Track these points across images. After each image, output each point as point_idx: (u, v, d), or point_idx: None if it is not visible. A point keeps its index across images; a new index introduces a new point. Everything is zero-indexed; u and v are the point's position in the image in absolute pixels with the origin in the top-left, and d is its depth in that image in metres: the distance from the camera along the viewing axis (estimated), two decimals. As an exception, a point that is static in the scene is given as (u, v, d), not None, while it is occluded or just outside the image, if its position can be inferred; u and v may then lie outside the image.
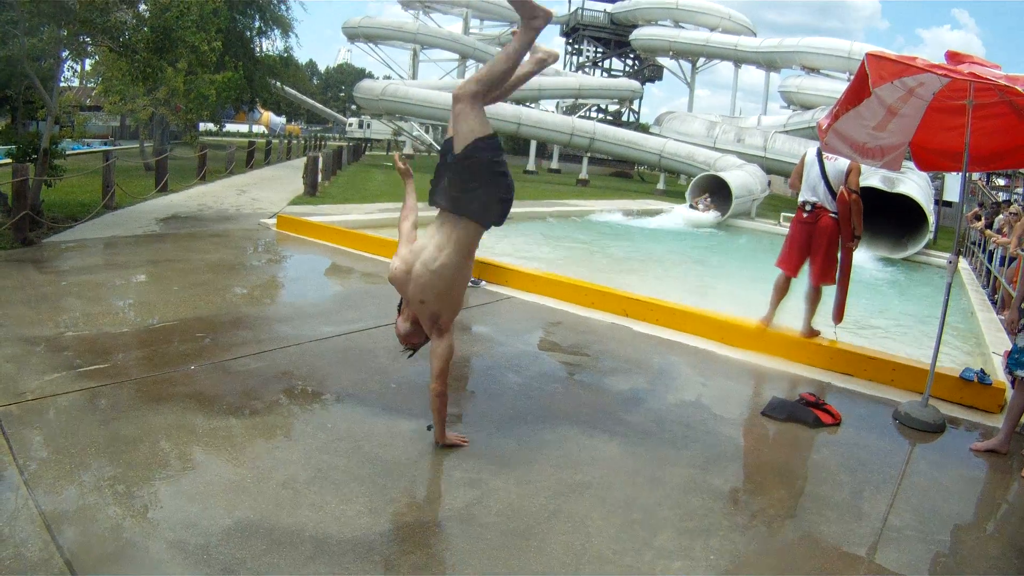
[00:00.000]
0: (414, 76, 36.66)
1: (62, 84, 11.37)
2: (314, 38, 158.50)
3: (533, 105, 31.43)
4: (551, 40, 48.74)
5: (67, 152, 11.16)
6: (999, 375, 4.65)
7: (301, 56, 71.79)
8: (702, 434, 3.71)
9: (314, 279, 7.11)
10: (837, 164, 5.01)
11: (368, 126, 47.98)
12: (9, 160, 9.03)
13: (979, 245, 12.57)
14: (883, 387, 4.73)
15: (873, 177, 15.38)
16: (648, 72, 44.13)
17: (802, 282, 5.33)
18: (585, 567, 2.44)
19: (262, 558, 2.31)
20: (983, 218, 13.39)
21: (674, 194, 25.38)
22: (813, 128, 23.28)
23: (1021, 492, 3.47)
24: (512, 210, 3.21)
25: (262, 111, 48.25)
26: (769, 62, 32.41)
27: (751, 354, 5.23)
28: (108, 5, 8.18)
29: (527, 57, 3.03)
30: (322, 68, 76.70)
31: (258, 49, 26.33)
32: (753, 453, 3.67)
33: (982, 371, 4.58)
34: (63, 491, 2.61)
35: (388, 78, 35.87)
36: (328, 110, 57.55)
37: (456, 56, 36.72)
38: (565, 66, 42.37)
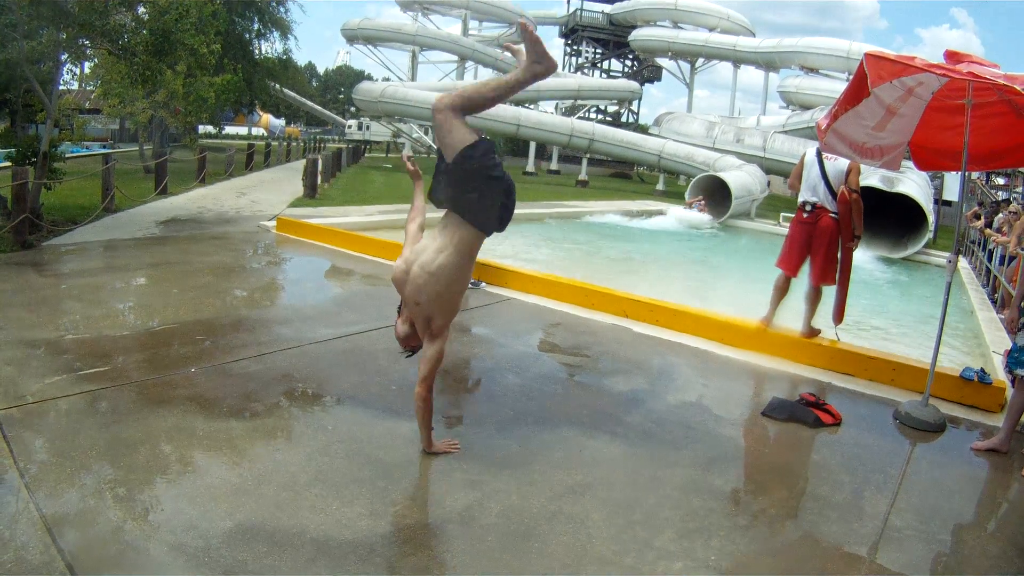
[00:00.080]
0: (413, 78, 36.61)
1: (61, 87, 11.36)
2: (313, 40, 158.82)
3: (532, 106, 31.46)
4: (550, 41, 48.74)
5: (66, 155, 11.20)
6: (999, 374, 4.65)
7: (300, 58, 71.64)
8: (703, 435, 3.70)
9: (314, 281, 7.11)
10: (837, 164, 5.00)
11: (367, 128, 48.06)
12: (9, 163, 9.04)
13: (979, 244, 12.57)
14: (883, 387, 4.73)
15: (872, 177, 15.39)
16: (647, 73, 44.15)
17: (802, 282, 5.33)
18: (586, 568, 2.44)
19: (263, 560, 2.32)
20: (983, 217, 13.38)
21: (674, 195, 25.41)
22: (812, 128, 23.28)
23: (1022, 491, 3.47)
24: (512, 211, 3.21)
25: (261, 113, 48.25)
26: (768, 62, 32.40)
27: (751, 354, 5.22)
28: (107, 8, 8.19)
29: (523, 60, 3.02)
30: (321, 70, 76.74)
31: (257, 51, 26.39)
32: (754, 453, 3.67)
33: (982, 370, 4.58)
34: (64, 494, 2.61)
35: (387, 80, 35.78)
36: (327, 112, 57.58)
37: (455, 58, 36.68)
38: (564, 67, 42.40)
